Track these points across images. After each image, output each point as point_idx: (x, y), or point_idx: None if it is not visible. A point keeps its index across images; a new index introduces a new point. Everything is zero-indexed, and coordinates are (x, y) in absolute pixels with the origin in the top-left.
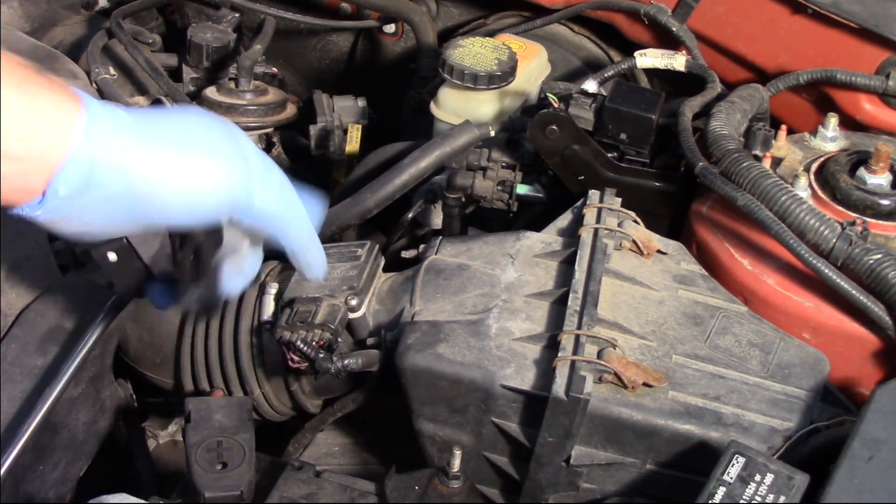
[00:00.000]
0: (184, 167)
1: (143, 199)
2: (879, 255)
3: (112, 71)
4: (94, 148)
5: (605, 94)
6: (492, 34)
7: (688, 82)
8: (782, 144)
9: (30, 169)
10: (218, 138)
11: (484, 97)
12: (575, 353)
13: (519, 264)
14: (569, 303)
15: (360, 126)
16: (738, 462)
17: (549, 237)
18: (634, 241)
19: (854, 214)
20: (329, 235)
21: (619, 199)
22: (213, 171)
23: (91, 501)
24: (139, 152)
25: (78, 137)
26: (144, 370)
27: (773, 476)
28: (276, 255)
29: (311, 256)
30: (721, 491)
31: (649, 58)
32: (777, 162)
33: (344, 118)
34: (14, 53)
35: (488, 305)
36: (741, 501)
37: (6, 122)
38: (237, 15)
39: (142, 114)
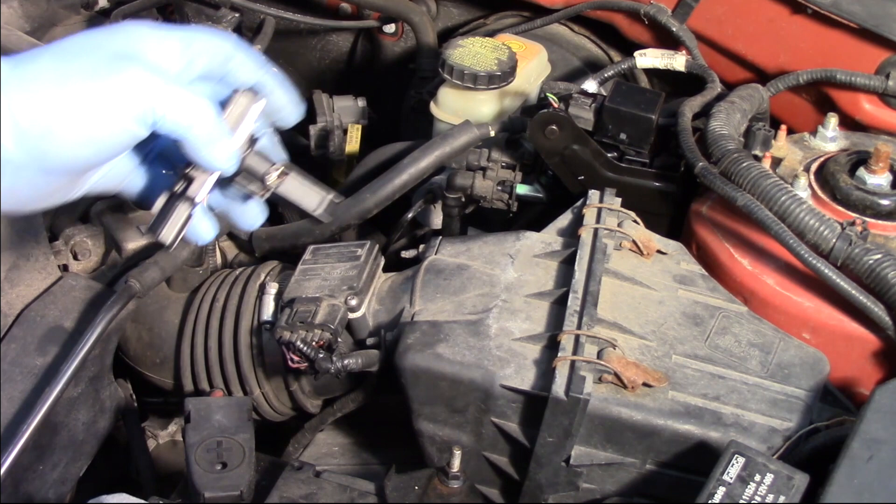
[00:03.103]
0: (68, 101)
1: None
2: (879, 255)
3: None
4: None
5: (605, 94)
6: (492, 34)
7: (688, 82)
8: (782, 144)
9: None
10: (103, 59)
11: (484, 97)
12: (575, 353)
13: (519, 264)
14: (569, 303)
15: (360, 126)
16: (737, 462)
17: (548, 237)
18: (634, 241)
19: (854, 214)
20: (329, 235)
21: (619, 199)
22: (99, 111)
23: (91, 501)
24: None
25: None
26: (144, 370)
27: (772, 476)
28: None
29: (221, 148)
30: (721, 491)
31: (649, 58)
32: (777, 162)
33: (344, 118)
34: None
35: (488, 305)
36: (741, 501)
37: None
38: (237, 15)
39: (19, 56)
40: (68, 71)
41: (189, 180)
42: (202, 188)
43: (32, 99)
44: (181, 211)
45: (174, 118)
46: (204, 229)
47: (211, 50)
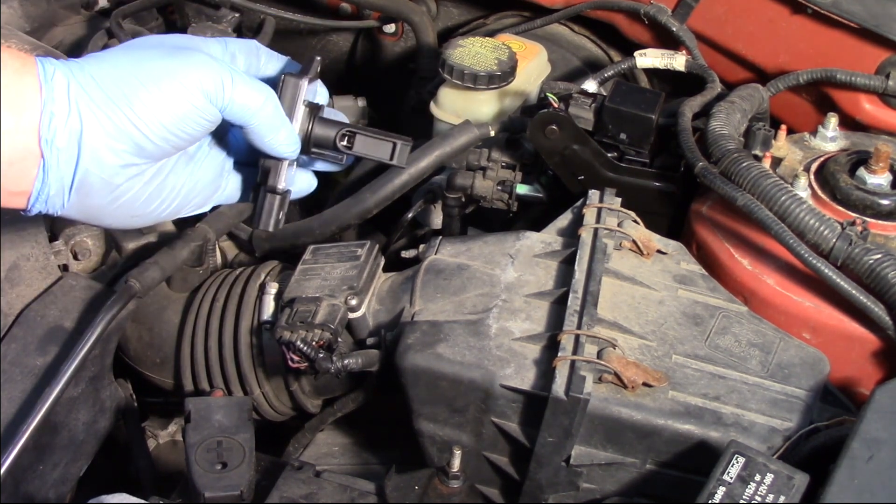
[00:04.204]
0: (150, 86)
1: (134, 124)
2: (879, 255)
3: None
4: (68, 93)
5: (605, 94)
6: (492, 34)
7: (688, 82)
8: (782, 144)
9: (16, 138)
10: (170, 47)
11: (484, 97)
12: (575, 352)
13: (519, 264)
14: (569, 303)
15: None
16: (738, 462)
17: (549, 237)
18: (634, 241)
19: (854, 214)
20: (329, 235)
21: (619, 199)
22: (176, 82)
23: (91, 501)
24: (100, 88)
25: (44, 89)
26: (144, 370)
27: (773, 476)
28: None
29: (284, 134)
30: (721, 491)
31: (649, 58)
32: (777, 162)
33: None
34: None
35: (488, 305)
36: (741, 501)
37: None
38: (237, 15)
39: (90, 57)
40: (142, 55)
41: (266, 171)
42: (280, 176)
43: (112, 73)
44: (270, 201)
45: (243, 101)
46: (305, 183)
47: (244, 47)
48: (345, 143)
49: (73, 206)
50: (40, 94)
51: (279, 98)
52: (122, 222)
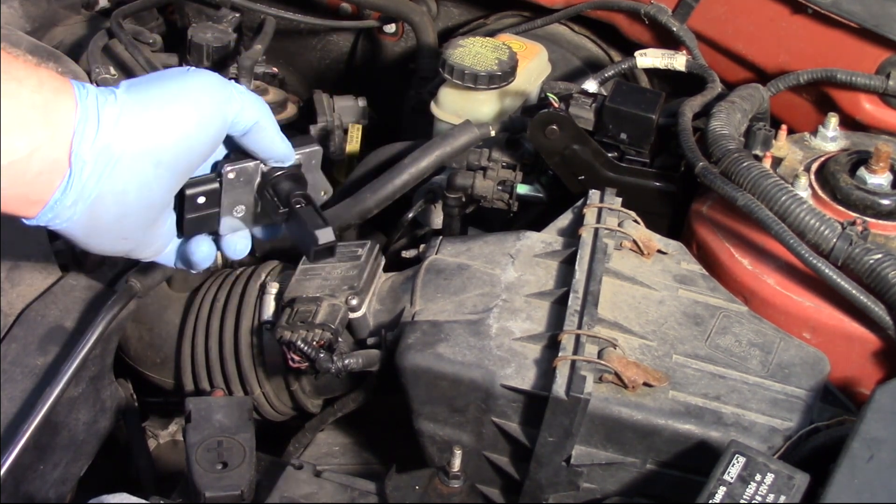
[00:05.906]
0: (170, 114)
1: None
2: (879, 255)
3: (112, 71)
4: (98, 112)
5: (605, 94)
6: (492, 34)
7: (688, 82)
8: (782, 144)
9: (48, 151)
10: (192, 79)
11: (484, 97)
12: (575, 352)
13: (519, 264)
14: (569, 303)
15: (360, 126)
16: (738, 462)
17: (549, 237)
18: (634, 241)
19: (854, 214)
20: None
21: (620, 199)
22: (194, 93)
23: (91, 501)
24: (137, 112)
25: (79, 108)
26: (145, 370)
27: (773, 476)
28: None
29: (281, 144)
30: (721, 491)
31: (649, 58)
32: (777, 162)
33: (344, 118)
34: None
35: (488, 305)
36: (741, 501)
37: (14, 117)
38: (237, 15)
39: (122, 83)
40: (163, 75)
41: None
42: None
43: (139, 95)
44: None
45: (252, 108)
46: (241, 244)
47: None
48: (297, 202)
49: (79, 220)
50: (76, 111)
51: None
52: (111, 245)
